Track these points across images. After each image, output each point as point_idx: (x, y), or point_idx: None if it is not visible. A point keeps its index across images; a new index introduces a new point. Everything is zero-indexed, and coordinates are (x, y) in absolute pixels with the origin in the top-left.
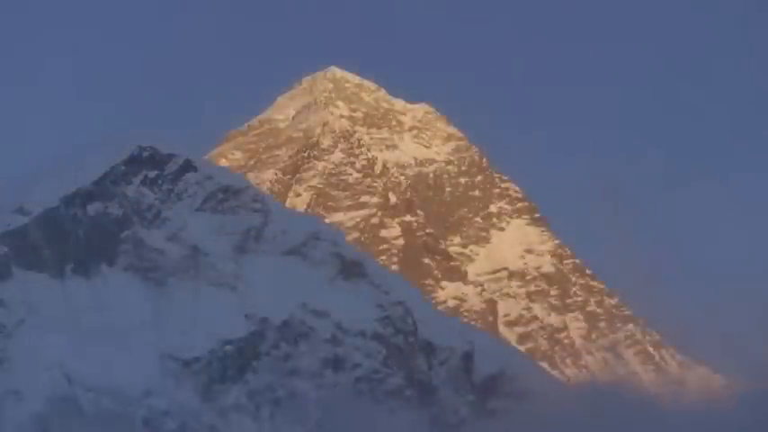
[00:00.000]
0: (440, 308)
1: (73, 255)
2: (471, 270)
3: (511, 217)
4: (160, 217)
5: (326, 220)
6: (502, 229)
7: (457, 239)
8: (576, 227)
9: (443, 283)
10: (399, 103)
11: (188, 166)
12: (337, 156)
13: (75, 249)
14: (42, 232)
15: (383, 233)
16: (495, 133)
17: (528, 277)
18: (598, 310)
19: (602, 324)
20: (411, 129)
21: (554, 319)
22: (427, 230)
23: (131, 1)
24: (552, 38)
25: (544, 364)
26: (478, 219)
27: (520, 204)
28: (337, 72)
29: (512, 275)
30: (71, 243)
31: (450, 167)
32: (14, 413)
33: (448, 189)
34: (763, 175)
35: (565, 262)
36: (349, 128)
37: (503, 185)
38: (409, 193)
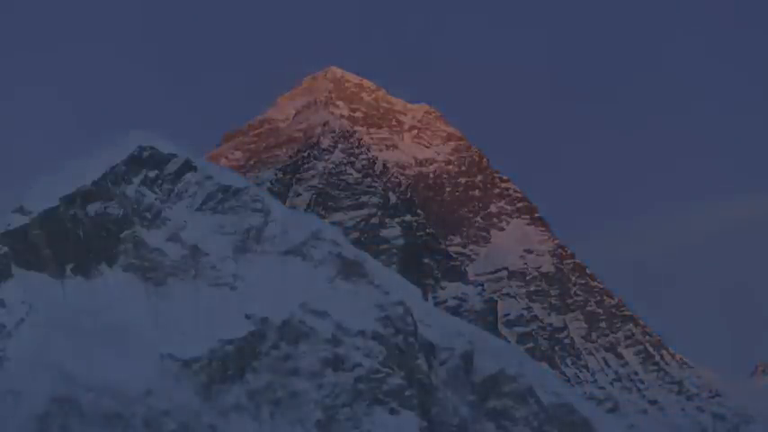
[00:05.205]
0: (440, 308)
1: (73, 255)
2: (471, 270)
3: (511, 217)
4: (160, 217)
5: (326, 220)
6: (502, 229)
7: (457, 239)
8: (577, 227)
9: (443, 283)
10: (399, 103)
11: (188, 166)
12: (337, 156)
13: (76, 249)
14: (42, 232)
15: (383, 233)
16: (495, 133)
17: (528, 277)
18: (598, 310)
19: (603, 324)
20: (411, 129)
21: (554, 319)
22: (427, 230)
23: (132, 1)
24: (552, 37)
25: (544, 364)
26: (478, 219)
27: (520, 204)
28: (337, 72)
29: (512, 275)
30: (71, 243)
31: (450, 167)
32: (14, 413)
33: (448, 189)
34: None
35: (565, 262)
36: (349, 128)
37: (503, 185)
38: (409, 193)
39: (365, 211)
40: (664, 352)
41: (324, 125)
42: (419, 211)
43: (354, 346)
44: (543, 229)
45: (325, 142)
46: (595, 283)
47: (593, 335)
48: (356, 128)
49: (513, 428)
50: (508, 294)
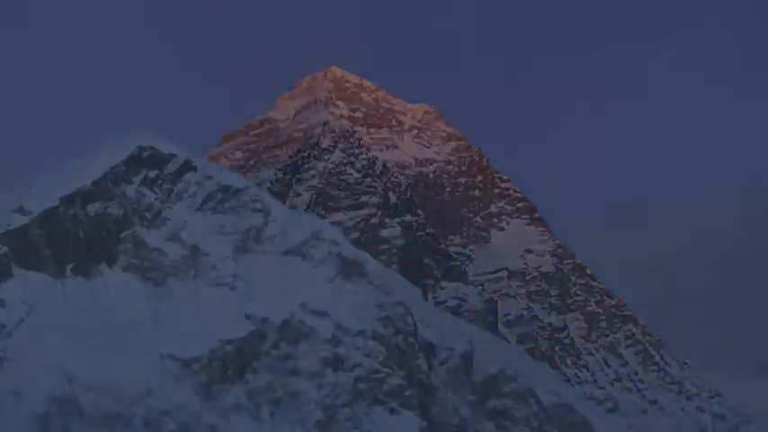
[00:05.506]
0: (440, 308)
1: (73, 255)
2: (471, 270)
3: (511, 217)
4: (160, 217)
5: (326, 220)
6: (502, 229)
7: (457, 239)
8: (576, 227)
9: (443, 283)
10: (399, 103)
11: (188, 166)
12: (337, 156)
13: (76, 249)
14: (42, 232)
15: (383, 233)
16: (496, 133)
17: (528, 277)
18: (598, 310)
19: (603, 324)
20: (411, 129)
21: (554, 319)
22: (427, 230)
23: (132, 2)
24: (552, 39)
25: (544, 364)
26: (478, 219)
27: (520, 204)
28: (337, 72)
29: (512, 275)
30: (71, 243)
31: (450, 167)
32: (14, 413)
33: (448, 189)
34: None
35: (565, 262)
36: (349, 128)
37: (503, 185)
38: (409, 193)
39: (365, 211)
40: (663, 352)
41: (324, 125)
42: (419, 211)
43: (354, 346)
44: (543, 229)
45: (325, 142)
46: (595, 283)
47: (593, 335)
48: (356, 128)
49: (513, 428)
50: (508, 294)
